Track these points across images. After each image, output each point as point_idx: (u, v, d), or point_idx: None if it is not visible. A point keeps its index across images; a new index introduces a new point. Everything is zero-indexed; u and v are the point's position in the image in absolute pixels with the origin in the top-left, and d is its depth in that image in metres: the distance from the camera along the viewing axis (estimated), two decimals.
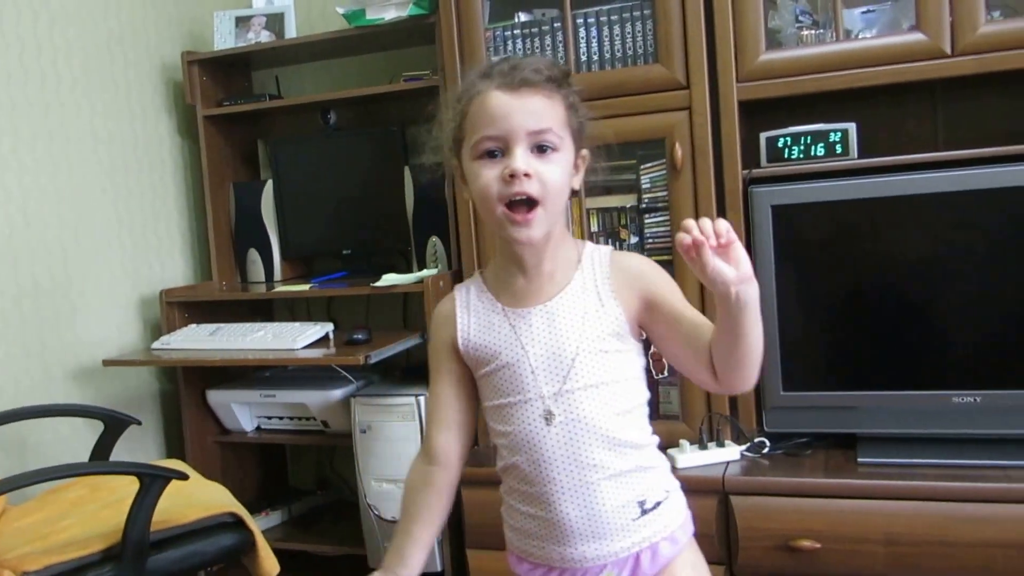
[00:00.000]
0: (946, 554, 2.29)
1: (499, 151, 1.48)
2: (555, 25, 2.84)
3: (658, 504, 1.60)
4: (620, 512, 1.55)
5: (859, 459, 2.51)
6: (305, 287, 3.26)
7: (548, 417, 1.55)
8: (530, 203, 1.47)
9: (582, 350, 1.55)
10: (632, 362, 1.60)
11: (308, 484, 3.82)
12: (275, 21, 3.46)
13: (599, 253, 1.62)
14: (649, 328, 1.61)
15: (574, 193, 1.59)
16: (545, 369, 1.56)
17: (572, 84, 1.58)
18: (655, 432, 1.65)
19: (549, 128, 1.48)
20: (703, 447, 2.65)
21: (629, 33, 2.76)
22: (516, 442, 1.58)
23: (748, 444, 2.66)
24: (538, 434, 1.56)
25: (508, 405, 1.58)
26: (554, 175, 1.48)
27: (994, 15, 2.49)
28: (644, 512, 1.57)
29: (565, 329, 1.56)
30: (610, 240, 2.87)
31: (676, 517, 1.63)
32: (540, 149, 1.48)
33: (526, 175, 1.45)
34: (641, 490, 1.58)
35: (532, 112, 1.48)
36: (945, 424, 2.48)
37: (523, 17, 2.92)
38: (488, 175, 1.48)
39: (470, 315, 1.64)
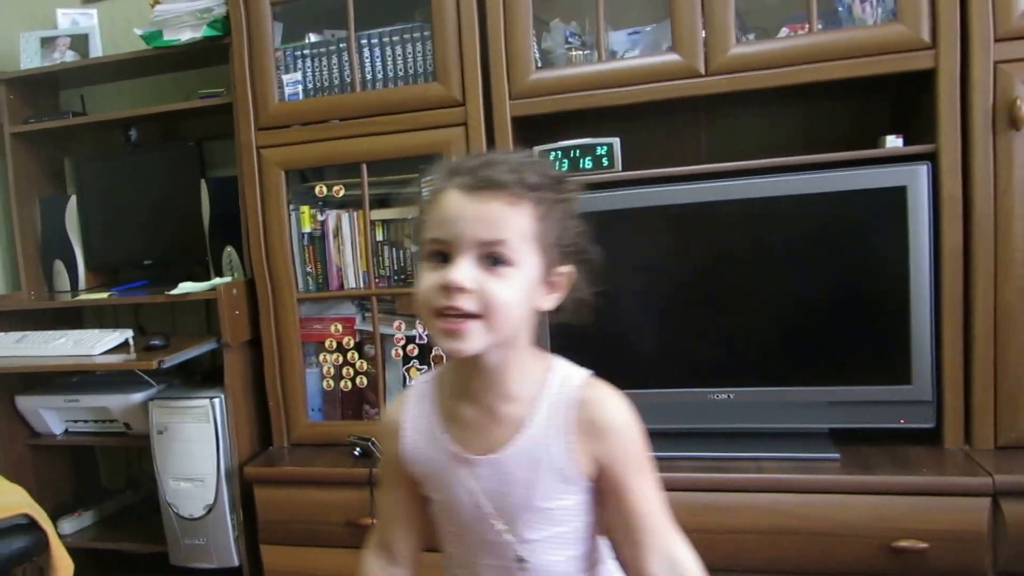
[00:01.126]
0: (703, 540, 1.99)
1: (445, 256, 1.13)
2: (341, 46, 2.49)
3: None
4: None
5: None
6: (104, 295, 2.83)
7: (519, 562, 1.24)
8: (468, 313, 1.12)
9: (531, 507, 1.21)
10: (583, 510, 1.25)
11: (118, 484, 3.37)
12: (80, 41, 3.01)
13: (568, 387, 1.22)
14: (597, 483, 1.24)
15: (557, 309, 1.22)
16: (498, 515, 1.22)
17: (561, 191, 1.19)
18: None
19: (502, 240, 1.10)
20: None
21: (410, 53, 2.42)
22: (466, 559, 1.29)
23: None
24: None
25: (462, 535, 1.28)
26: (503, 292, 1.11)
27: (749, 37, 2.24)
28: None
29: (514, 484, 1.20)
30: (394, 250, 2.52)
31: None
32: (492, 261, 1.11)
33: (461, 290, 1.09)
34: None
35: (485, 219, 1.11)
36: (702, 419, 2.23)
37: (313, 38, 2.56)
38: (427, 281, 1.13)
39: (416, 434, 1.28)
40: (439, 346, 1.23)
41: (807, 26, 2.12)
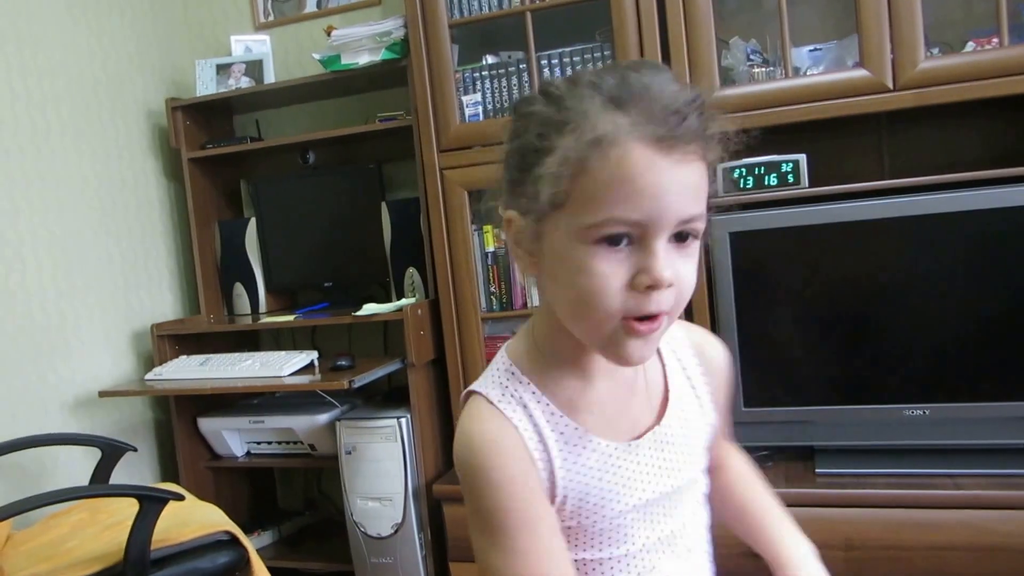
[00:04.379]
0: (900, 557, 2.30)
1: (628, 238, 0.93)
2: (520, 66, 2.85)
3: None
4: None
5: (817, 470, 2.52)
6: (290, 317, 3.25)
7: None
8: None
9: (698, 479, 1.15)
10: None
11: (296, 505, 3.80)
12: (254, 67, 3.46)
13: (671, 336, 1.15)
14: None
15: None
16: (664, 501, 1.09)
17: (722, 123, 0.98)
18: None
19: (701, 213, 0.95)
20: None
21: None
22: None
23: None
24: None
25: (607, 560, 1.08)
26: (693, 275, 0.97)
27: (933, 52, 2.51)
28: None
29: (683, 454, 1.11)
30: None
31: None
32: (681, 237, 0.95)
33: (670, 285, 0.93)
34: None
35: (689, 189, 0.93)
36: (896, 436, 2.49)
37: (490, 59, 2.93)
38: (609, 279, 0.93)
39: (551, 447, 1.02)
40: (608, 355, 0.99)
41: (994, 39, 2.39)
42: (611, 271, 0.92)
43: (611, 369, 1.05)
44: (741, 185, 2.60)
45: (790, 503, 2.35)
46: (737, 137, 0.98)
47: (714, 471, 1.24)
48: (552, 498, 1.02)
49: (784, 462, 2.63)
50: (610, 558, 1.07)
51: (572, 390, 1.05)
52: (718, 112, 0.96)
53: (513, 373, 1.06)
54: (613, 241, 0.92)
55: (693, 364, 1.15)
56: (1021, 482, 2.31)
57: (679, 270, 0.94)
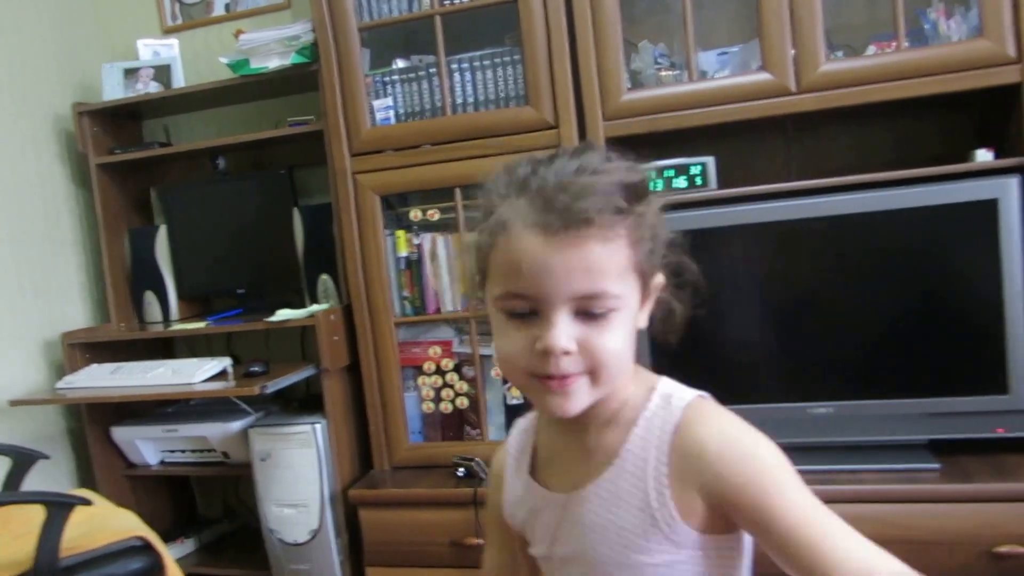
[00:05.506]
0: None
1: (531, 312, 1.07)
2: (431, 71, 2.96)
3: None
4: None
5: None
6: (200, 324, 3.32)
7: None
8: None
9: (623, 562, 1.14)
10: (690, 560, 1.13)
11: (216, 513, 3.89)
12: (163, 72, 3.53)
13: (669, 410, 1.14)
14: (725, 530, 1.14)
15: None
16: (587, 571, 1.18)
17: (648, 196, 1.12)
18: None
19: (603, 291, 1.05)
20: None
21: (501, 77, 2.88)
22: None
23: None
24: None
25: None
26: (609, 343, 1.07)
27: (837, 55, 2.66)
28: None
29: (602, 531, 1.15)
30: None
31: None
32: (588, 312, 1.06)
33: (566, 353, 1.05)
34: None
35: (580, 269, 1.03)
36: (802, 433, 2.64)
37: (401, 63, 3.03)
38: (515, 342, 1.08)
39: (515, 478, 1.30)
40: (538, 408, 1.16)
41: (894, 43, 2.54)
42: (516, 336, 1.07)
43: (572, 425, 1.16)
44: (650, 187, 2.72)
45: None
46: (646, 191, 1.12)
47: None
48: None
49: None
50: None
51: (546, 438, 1.26)
52: (622, 176, 1.08)
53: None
54: (516, 313, 1.07)
55: (661, 452, 1.12)
56: (919, 476, 2.47)
57: (590, 340, 1.05)
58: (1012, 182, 2.41)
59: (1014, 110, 2.48)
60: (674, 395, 1.16)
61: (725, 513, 1.09)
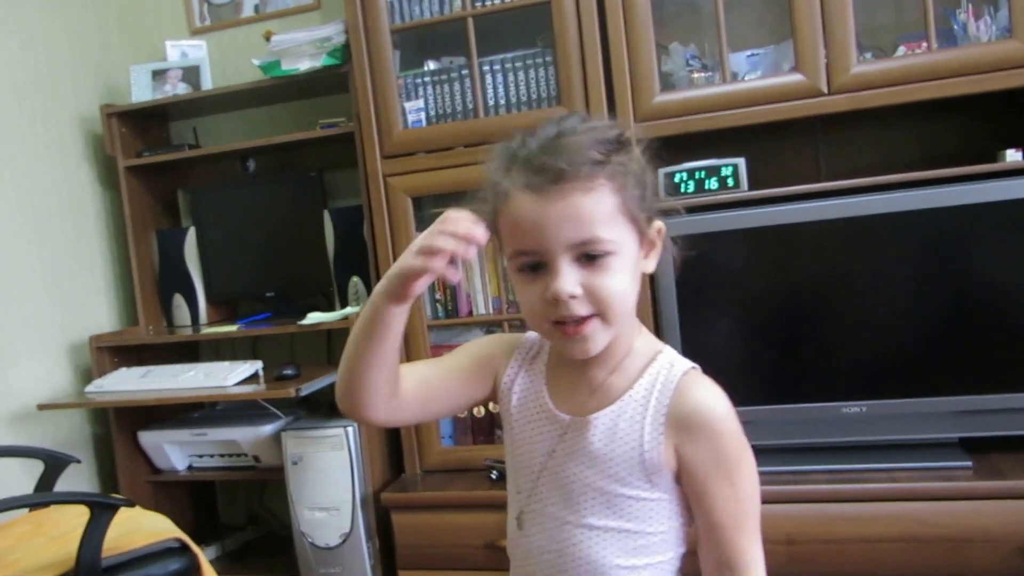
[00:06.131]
0: (838, 550, 2.56)
1: (539, 264, 1.26)
2: (463, 72, 3.08)
3: None
4: None
5: (758, 468, 2.75)
6: (232, 328, 3.44)
7: (520, 522, 1.42)
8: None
9: (600, 488, 1.34)
10: (662, 514, 1.35)
11: (238, 520, 3.99)
12: (191, 73, 3.65)
13: (668, 375, 1.34)
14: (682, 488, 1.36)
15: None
16: (564, 485, 1.37)
17: (627, 148, 1.30)
18: None
19: (594, 238, 1.23)
20: None
21: (533, 78, 3.01)
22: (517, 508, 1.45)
23: None
24: (515, 539, 1.45)
25: (518, 489, 1.45)
26: (611, 284, 1.25)
27: (866, 56, 2.78)
28: None
29: (593, 457, 1.34)
30: None
31: None
32: (589, 257, 1.24)
33: (572, 297, 1.23)
34: None
35: (568, 219, 1.22)
36: (834, 433, 2.76)
37: (432, 65, 3.16)
38: (530, 295, 1.27)
39: (519, 371, 1.47)
40: (562, 352, 1.34)
41: (924, 44, 2.66)
42: (531, 289, 1.27)
43: (580, 368, 1.37)
44: (682, 190, 2.84)
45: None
46: (623, 144, 1.29)
47: None
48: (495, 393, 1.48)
49: None
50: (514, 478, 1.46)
51: (555, 365, 1.43)
52: (598, 134, 1.26)
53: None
54: (526, 269, 1.27)
55: (660, 405, 1.32)
56: (952, 474, 2.57)
57: (591, 283, 1.23)
58: None
59: None
60: (676, 360, 1.37)
61: (682, 471, 1.32)
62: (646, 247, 1.33)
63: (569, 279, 1.23)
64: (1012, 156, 2.61)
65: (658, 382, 1.34)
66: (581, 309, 1.24)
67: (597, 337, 1.27)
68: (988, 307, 2.64)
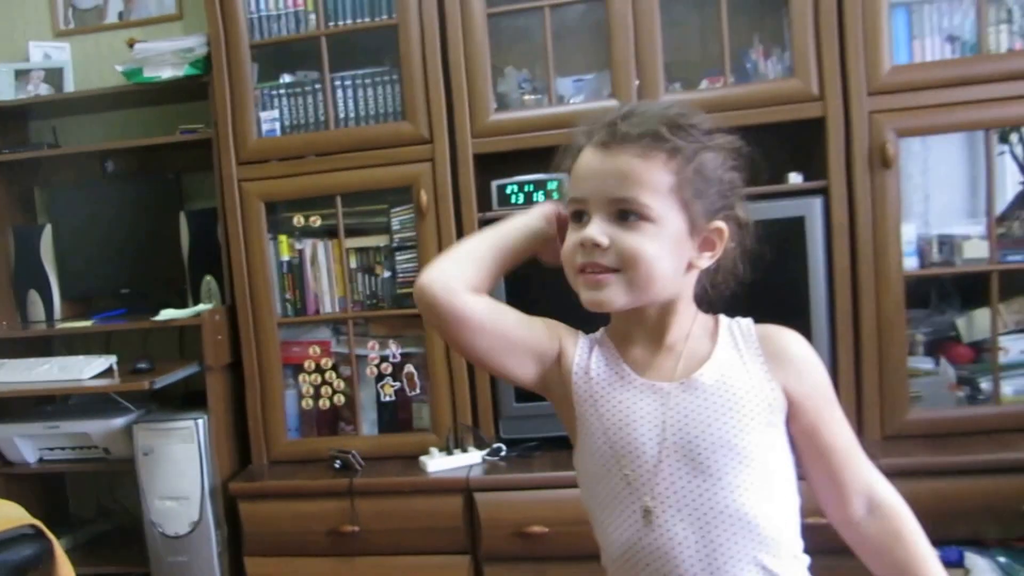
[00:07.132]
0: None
1: (584, 214, 1.40)
2: (316, 86, 3.49)
3: None
4: None
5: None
6: (87, 323, 3.73)
7: (648, 517, 1.41)
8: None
9: (727, 443, 1.39)
10: (782, 453, 1.45)
11: (88, 513, 4.26)
12: (54, 75, 3.98)
13: (742, 328, 1.49)
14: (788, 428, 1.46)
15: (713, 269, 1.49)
16: (683, 451, 1.40)
17: (704, 141, 1.42)
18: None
19: (631, 198, 1.35)
20: (450, 453, 3.31)
21: (380, 94, 3.44)
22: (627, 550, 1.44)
23: (488, 449, 3.34)
24: (640, 542, 1.42)
25: (600, 475, 1.48)
26: (638, 245, 1.36)
27: (675, 86, 3.29)
28: None
29: (708, 411, 1.41)
30: (367, 276, 3.55)
31: None
32: (625, 216, 1.36)
33: (596, 245, 1.36)
34: None
35: (614, 175, 1.37)
36: None
37: (287, 78, 3.56)
38: (570, 240, 1.42)
39: (596, 356, 1.52)
40: (583, 302, 1.42)
41: (722, 79, 3.18)
42: (573, 236, 1.41)
43: (651, 340, 1.49)
44: (512, 201, 3.30)
45: (556, 485, 3.11)
46: (702, 135, 1.42)
47: (858, 512, 1.46)
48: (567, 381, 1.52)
49: (551, 451, 3.30)
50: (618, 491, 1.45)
51: (624, 350, 1.51)
52: (677, 118, 1.40)
53: (604, 333, 1.57)
54: (576, 216, 1.42)
55: (751, 346, 1.46)
56: None
57: (619, 238, 1.35)
58: (816, 202, 3.06)
59: (818, 140, 3.12)
60: (738, 318, 1.53)
61: (792, 410, 1.44)
62: (698, 239, 1.41)
63: (599, 228, 1.35)
64: (794, 179, 3.15)
65: (737, 335, 1.48)
66: (605, 259, 1.36)
67: (614, 292, 1.38)
68: (770, 311, 3.07)
